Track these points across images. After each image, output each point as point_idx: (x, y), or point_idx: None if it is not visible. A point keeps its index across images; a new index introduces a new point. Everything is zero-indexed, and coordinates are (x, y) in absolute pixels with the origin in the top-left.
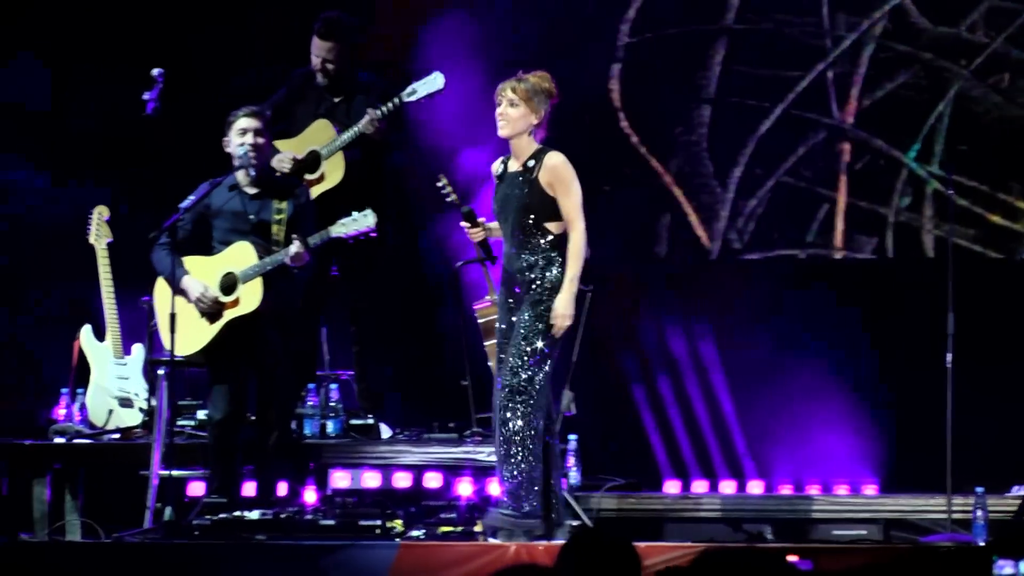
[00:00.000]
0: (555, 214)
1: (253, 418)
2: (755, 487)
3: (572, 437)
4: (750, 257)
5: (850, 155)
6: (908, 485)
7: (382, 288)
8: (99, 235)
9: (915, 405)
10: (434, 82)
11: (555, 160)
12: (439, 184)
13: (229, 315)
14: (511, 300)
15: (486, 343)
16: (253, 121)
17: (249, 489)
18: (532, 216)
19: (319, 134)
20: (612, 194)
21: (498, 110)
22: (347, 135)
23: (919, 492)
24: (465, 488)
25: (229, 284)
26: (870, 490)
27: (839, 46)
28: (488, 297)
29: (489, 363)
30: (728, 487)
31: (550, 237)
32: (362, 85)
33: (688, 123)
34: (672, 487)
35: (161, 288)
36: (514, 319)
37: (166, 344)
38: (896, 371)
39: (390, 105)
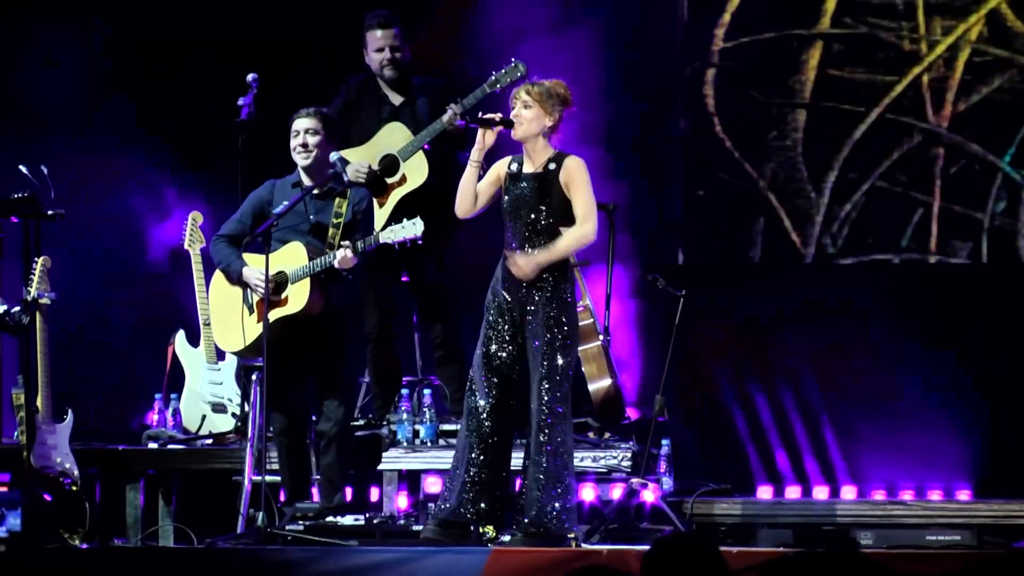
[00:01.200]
0: (569, 218)
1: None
2: (848, 492)
3: (664, 442)
4: (844, 262)
5: (945, 159)
6: (1002, 490)
7: (460, 291)
8: (193, 240)
9: (1009, 410)
10: (516, 70)
11: (574, 161)
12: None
13: (276, 315)
14: (509, 301)
15: (579, 348)
16: (305, 121)
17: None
18: (550, 219)
19: (391, 137)
20: (706, 199)
21: (512, 112)
22: (425, 133)
23: (1013, 498)
24: None
25: (279, 283)
26: (964, 495)
27: (934, 50)
28: (581, 302)
29: (583, 368)
30: (821, 492)
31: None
32: (419, 87)
33: (782, 128)
34: (765, 492)
35: (217, 284)
36: (514, 316)
37: (218, 341)
38: (990, 376)
39: (471, 98)
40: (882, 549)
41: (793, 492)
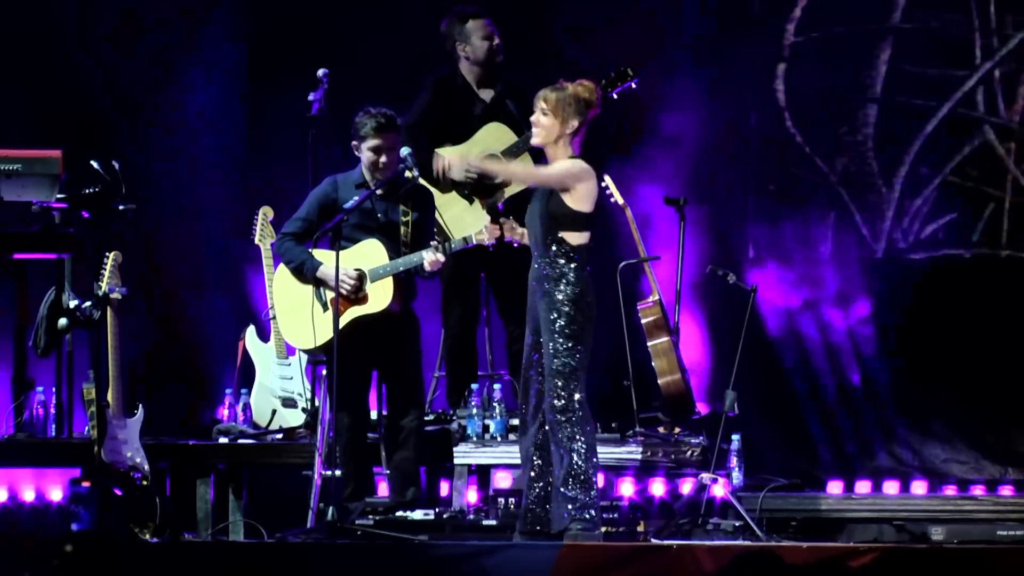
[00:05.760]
0: (572, 224)
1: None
2: (919, 487)
3: (735, 437)
4: (915, 256)
5: (1016, 154)
6: None
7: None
8: (263, 236)
9: None
10: (626, 75)
11: (566, 161)
12: (603, 185)
13: (355, 312)
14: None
15: (649, 343)
16: (385, 138)
17: (383, 489)
18: (552, 223)
19: (494, 137)
20: (777, 193)
21: (532, 117)
22: (531, 134)
23: None
24: (627, 488)
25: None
26: None
27: (1007, 45)
28: (651, 298)
29: (653, 363)
30: (891, 487)
31: (565, 248)
32: (508, 87)
33: (853, 122)
34: (835, 487)
35: (282, 280)
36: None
37: (288, 337)
38: None
39: None
40: (953, 544)
41: (863, 487)
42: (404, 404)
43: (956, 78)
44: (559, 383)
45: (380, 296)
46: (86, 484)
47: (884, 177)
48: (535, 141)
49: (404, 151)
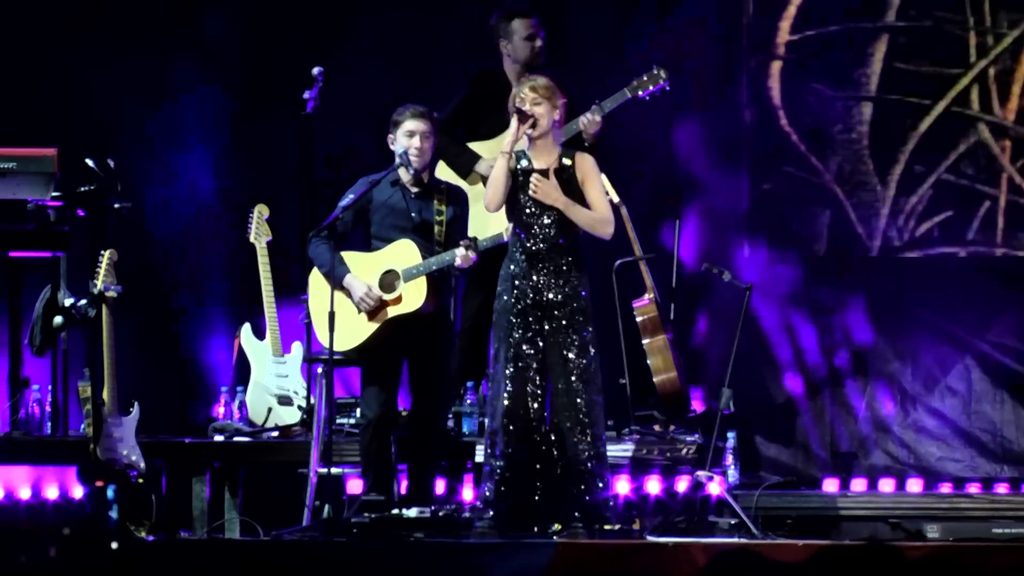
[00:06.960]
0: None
1: (404, 414)
2: (914, 485)
3: (730, 435)
4: (910, 255)
5: (1011, 152)
6: None
7: None
8: (259, 234)
9: None
10: (657, 77)
11: (588, 159)
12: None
13: (391, 313)
14: (532, 290)
15: (644, 341)
16: (420, 123)
17: (402, 487)
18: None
19: None
20: (771, 192)
21: (524, 108)
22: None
23: None
24: (623, 486)
25: (390, 282)
26: None
27: (1001, 43)
28: (647, 296)
29: (648, 361)
30: (887, 485)
31: (575, 238)
32: None
33: (848, 121)
34: (830, 485)
35: (316, 283)
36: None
37: (322, 340)
38: None
39: (610, 101)
40: (948, 542)
41: (859, 485)
42: (429, 412)
43: (951, 76)
44: (588, 379)
45: (414, 296)
46: (99, 483)
47: (879, 175)
48: (535, 133)
49: (399, 148)
